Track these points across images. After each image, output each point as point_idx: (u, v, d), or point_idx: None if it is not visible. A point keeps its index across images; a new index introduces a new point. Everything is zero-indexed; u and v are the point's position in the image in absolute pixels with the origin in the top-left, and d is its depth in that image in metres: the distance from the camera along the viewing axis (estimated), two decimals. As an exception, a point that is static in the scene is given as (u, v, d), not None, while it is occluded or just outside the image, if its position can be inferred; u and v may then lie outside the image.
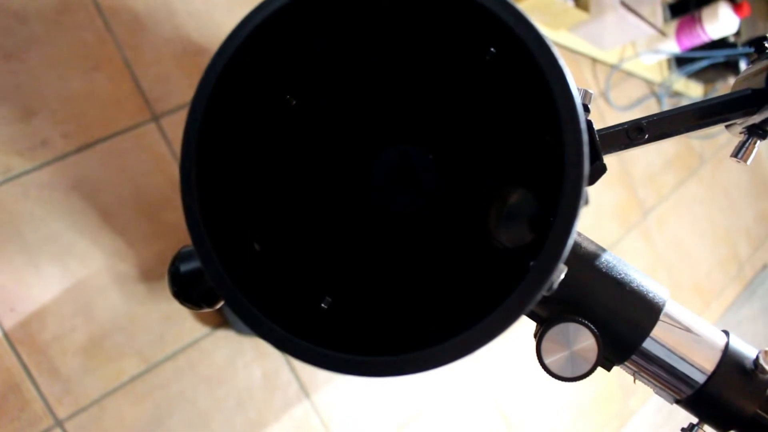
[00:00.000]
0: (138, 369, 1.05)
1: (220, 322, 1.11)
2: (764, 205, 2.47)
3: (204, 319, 1.11)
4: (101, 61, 1.06)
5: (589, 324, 0.34)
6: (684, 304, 1.65)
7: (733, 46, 1.81)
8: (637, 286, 0.36)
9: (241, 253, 0.32)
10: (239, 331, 1.12)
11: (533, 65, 0.27)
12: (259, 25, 0.30)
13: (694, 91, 2.05)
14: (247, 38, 0.30)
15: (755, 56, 0.40)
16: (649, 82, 1.96)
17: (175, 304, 1.07)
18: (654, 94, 1.97)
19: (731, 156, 0.42)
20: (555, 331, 0.34)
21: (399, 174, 0.32)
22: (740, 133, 0.42)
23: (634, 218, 1.89)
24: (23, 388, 0.94)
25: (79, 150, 1.02)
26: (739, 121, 0.42)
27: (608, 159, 1.55)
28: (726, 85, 2.04)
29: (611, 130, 0.39)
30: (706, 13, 1.70)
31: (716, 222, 2.18)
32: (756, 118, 0.41)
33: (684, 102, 2.04)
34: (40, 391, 0.96)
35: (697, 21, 1.72)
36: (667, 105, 1.99)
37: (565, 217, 0.25)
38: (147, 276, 1.07)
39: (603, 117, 1.84)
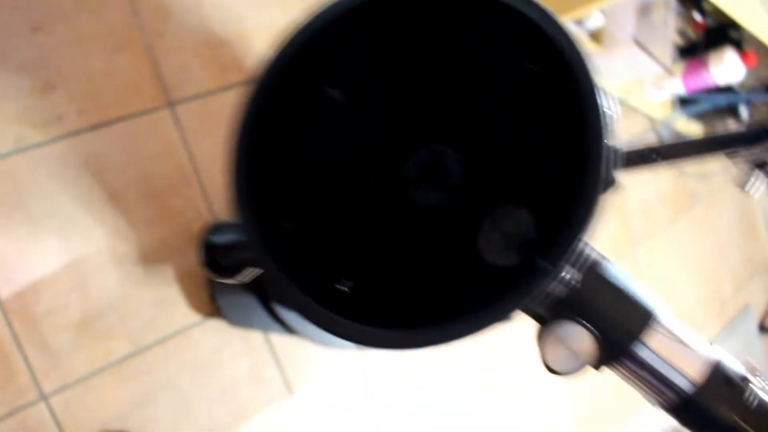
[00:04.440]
0: (126, 350, 1.05)
1: (212, 311, 1.12)
2: (751, 248, 2.51)
3: (196, 307, 1.11)
4: (125, 43, 1.07)
5: (589, 325, 0.37)
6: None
7: (736, 92, 1.85)
8: (634, 294, 0.39)
9: (274, 230, 0.34)
10: (231, 322, 1.13)
11: (572, 86, 0.29)
12: (329, 18, 0.32)
13: (694, 132, 2.09)
14: (315, 31, 0.32)
15: None
16: (651, 119, 1.99)
17: (170, 290, 1.08)
18: (654, 130, 2.00)
19: (738, 187, 0.45)
20: (557, 330, 0.37)
21: (431, 171, 0.34)
22: (745, 166, 0.45)
23: (624, 249, 1.91)
24: (12, 359, 0.94)
25: (92, 128, 1.03)
26: (743, 153, 0.44)
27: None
28: (725, 129, 2.07)
29: (629, 148, 0.41)
30: (713, 58, 1.74)
31: (703, 261, 2.22)
32: (760, 153, 0.43)
33: (683, 141, 2.07)
34: (28, 363, 0.96)
35: (704, 64, 1.75)
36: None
37: (581, 218, 0.27)
38: (146, 259, 1.07)
39: (604, 147, 1.87)
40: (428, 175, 0.34)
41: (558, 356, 0.37)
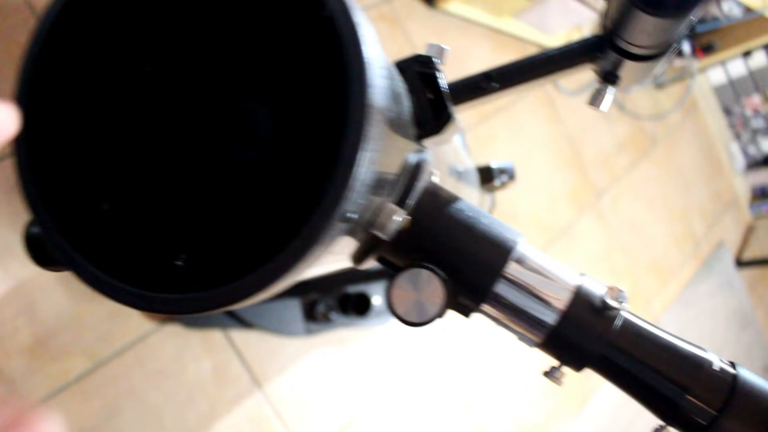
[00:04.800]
0: (85, 367, 1.04)
1: (168, 316, 1.10)
2: (718, 183, 2.52)
3: (151, 315, 1.10)
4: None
5: (436, 268, 0.35)
6: (642, 283, 1.69)
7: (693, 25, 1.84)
8: (487, 228, 0.37)
9: (87, 212, 0.33)
10: (187, 324, 1.12)
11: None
12: None
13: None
14: None
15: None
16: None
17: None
18: (604, 78, 1.99)
19: (588, 104, 0.44)
20: (403, 278, 0.35)
21: (241, 130, 0.32)
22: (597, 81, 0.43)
23: (587, 201, 1.91)
24: (-35, 390, 0.93)
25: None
26: (592, 67, 0.43)
27: (558, 142, 1.58)
28: (672, 67, 2.07)
29: (460, 82, 0.40)
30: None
31: (671, 202, 2.22)
32: (605, 65, 0.42)
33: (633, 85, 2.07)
34: (-17, 392, 0.95)
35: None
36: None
37: (352, 137, 0.25)
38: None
39: (553, 103, 1.86)
40: (239, 135, 0.33)
41: (406, 305, 0.36)
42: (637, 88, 2.06)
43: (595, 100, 0.42)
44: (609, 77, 0.42)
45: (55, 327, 1.02)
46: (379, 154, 0.27)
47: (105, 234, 0.32)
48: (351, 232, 0.30)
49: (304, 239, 0.26)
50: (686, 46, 1.82)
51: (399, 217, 0.32)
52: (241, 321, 1.12)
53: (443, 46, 0.38)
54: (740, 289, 2.43)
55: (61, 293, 1.03)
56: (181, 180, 0.33)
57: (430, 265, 0.35)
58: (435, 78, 0.36)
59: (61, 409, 1.00)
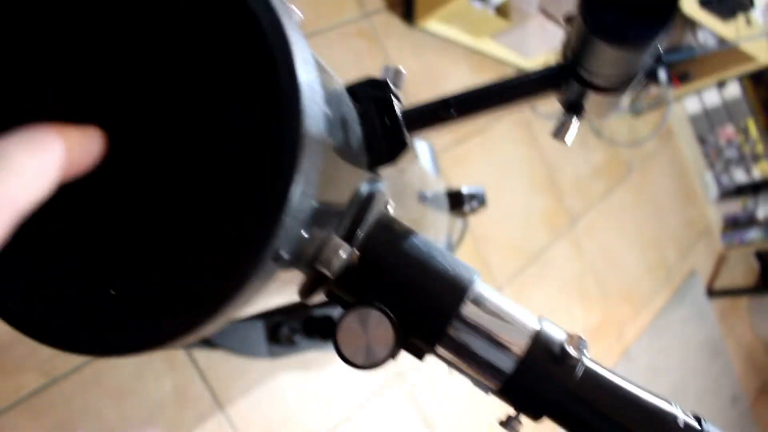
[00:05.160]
0: (38, 383, 1.00)
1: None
2: (691, 211, 2.54)
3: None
4: None
5: (386, 308, 0.33)
6: (614, 311, 1.68)
7: (659, 55, 1.86)
8: (441, 266, 0.35)
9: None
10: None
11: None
12: None
13: (620, 101, 2.10)
14: None
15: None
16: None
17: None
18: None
19: (552, 135, 0.42)
20: (351, 318, 0.33)
21: (159, 158, 0.29)
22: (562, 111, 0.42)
23: (562, 225, 1.91)
24: None
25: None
26: (556, 96, 0.41)
27: (534, 165, 1.57)
28: (649, 95, 2.09)
29: (417, 108, 0.38)
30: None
31: (644, 229, 2.23)
32: (569, 95, 0.40)
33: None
34: (-72, 408, 0.91)
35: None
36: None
37: (283, 170, 0.23)
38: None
39: (530, 125, 1.86)
40: (160, 164, 0.29)
41: (353, 347, 0.33)
42: (614, 115, 2.07)
43: (560, 132, 0.41)
44: (573, 108, 0.40)
45: (7, 340, 0.99)
46: (318, 187, 0.25)
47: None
48: (293, 267, 0.28)
49: (232, 282, 0.24)
50: (663, 74, 1.84)
51: (345, 253, 0.30)
52: (205, 341, 1.09)
53: (400, 68, 0.36)
54: (711, 318, 2.44)
55: (17, 306, 0.99)
56: (105, 214, 0.30)
57: (380, 305, 0.33)
58: (390, 103, 0.34)
59: (11, 428, 0.96)
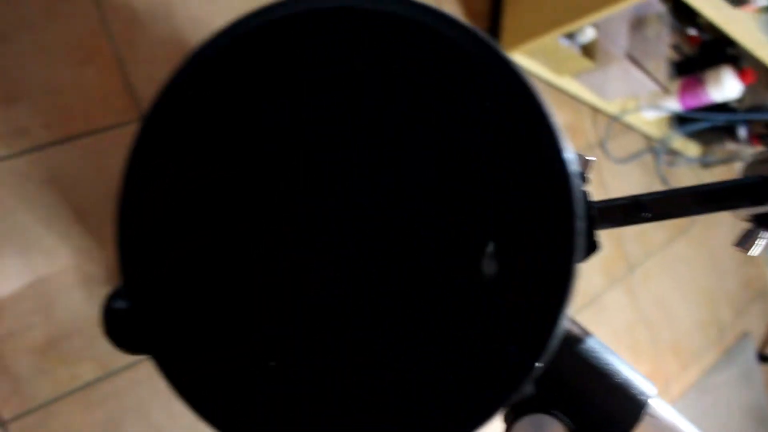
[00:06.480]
0: (94, 375, 1.00)
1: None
2: (750, 271, 2.46)
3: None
4: (93, 55, 1.03)
5: (565, 418, 0.31)
6: (662, 363, 1.62)
7: (735, 111, 1.81)
8: (621, 379, 0.33)
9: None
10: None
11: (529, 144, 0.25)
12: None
13: (691, 151, 2.05)
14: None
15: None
16: (647, 137, 1.96)
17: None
18: (651, 149, 1.96)
19: (734, 245, 0.39)
20: (526, 422, 0.31)
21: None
22: (744, 219, 0.39)
23: (619, 272, 1.87)
24: (-32, 383, 0.90)
25: (58, 142, 0.99)
26: (746, 208, 0.39)
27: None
28: (723, 149, 2.03)
29: (610, 204, 0.36)
30: (710, 75, 1.70)
31: (701, 284, 2.17)
32: (765, 208, 0.38)
33: (680, 161, 2.04)
34: (-14, 388, 0.91)
35: (700, 82, 1.71)
36: (664, 162, 1.98)
37: (553, 309, 0.22)
38: (115, 280, 1.03)
39: (599, 167, 1.83)
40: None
41: None
42: (684, 164, 2.02)
43: (745, 243, 0.38)
44: (766, 221, 0.38)
45: (69, 329, 0.99)
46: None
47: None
48: None
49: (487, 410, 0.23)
50: (743, 131, 1.79)
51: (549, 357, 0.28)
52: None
53: (587, 157, 0.33)
54: (759, 384, 2.36)
55: (80, 296, 0.99)
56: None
57: (557, 412, 0.31)
58: (587, 198, 0.32)
59: (62, 416, 0.96)
